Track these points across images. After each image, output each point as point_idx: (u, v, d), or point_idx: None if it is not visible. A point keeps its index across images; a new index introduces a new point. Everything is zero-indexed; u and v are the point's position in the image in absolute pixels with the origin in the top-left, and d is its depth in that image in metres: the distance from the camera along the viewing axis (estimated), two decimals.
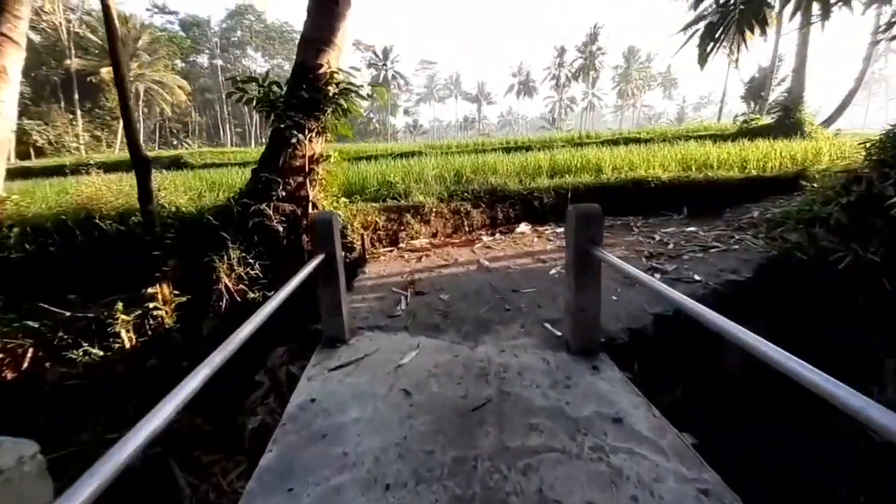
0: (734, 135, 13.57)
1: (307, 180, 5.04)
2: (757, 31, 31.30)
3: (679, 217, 6.44)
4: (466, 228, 6.27)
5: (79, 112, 36.84)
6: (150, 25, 45.63)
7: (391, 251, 5.64)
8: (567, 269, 2.65)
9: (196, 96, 48.50)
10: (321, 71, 4.71)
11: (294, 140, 4.71)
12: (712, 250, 4.79)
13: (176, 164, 21.37)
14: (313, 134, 4.91)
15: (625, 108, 79.45)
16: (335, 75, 4.79)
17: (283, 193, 4.98)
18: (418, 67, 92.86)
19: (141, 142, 5.64)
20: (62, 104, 37.77)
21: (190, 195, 6.57)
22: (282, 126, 4.78)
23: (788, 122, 13.21)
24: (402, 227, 5.95)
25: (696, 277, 3.92)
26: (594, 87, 66.74)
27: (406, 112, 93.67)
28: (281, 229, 5.04)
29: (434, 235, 6.12)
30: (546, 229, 6.18)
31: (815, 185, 5.91)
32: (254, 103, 4.86)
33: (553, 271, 4.34)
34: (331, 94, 4.82)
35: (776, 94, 23.47)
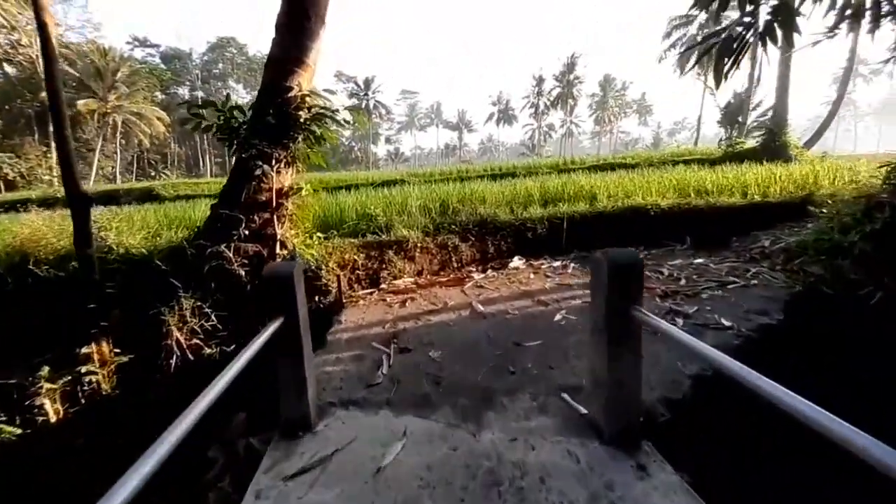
0: (720, 159, 13.58)
1: (274, 216, 4.44)
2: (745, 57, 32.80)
3: (683, 247, 6.02)
4: (455, 264, 5.70)
5: (53, 144, 35.83)
6: (129, 58, 45.47)
7: (372, 293, 5.01)
8: (594, 332, 2.08)
9: (175, 127, 47.74)
10: (291, 94, 4.19)
11: (259, 172, 4.12)
12: (730, 286, 4.32)
13: (148, 196, 20.47)
14: (282, 164, 4.34)
15: (602, 135, 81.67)
16: (307, 99, 4.27)
17: (246, 232, 4.35)
18: (399, 97, 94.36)
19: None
20: (36, 136, 36.75)
21: (145, 233, 5.87)
22: (245, 156, 4.21)
23: (774, 146, 13.27)
24: (384, 266, 5.35)
25: (725, 322, 3.41)
26: (572, 114, 68.50)
27: (388, 140, 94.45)
28: (243, 273, 4.38)
29: (419, 273, 5.52)
30: (542, 264, 5.65)
31: (824, 210, 5.60)
32: (213, 131, 4.29)
33: (558, 317, 3.78)
34: (302, 119, 4.30)
35: (752, 117, 24.20)
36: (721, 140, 24.75)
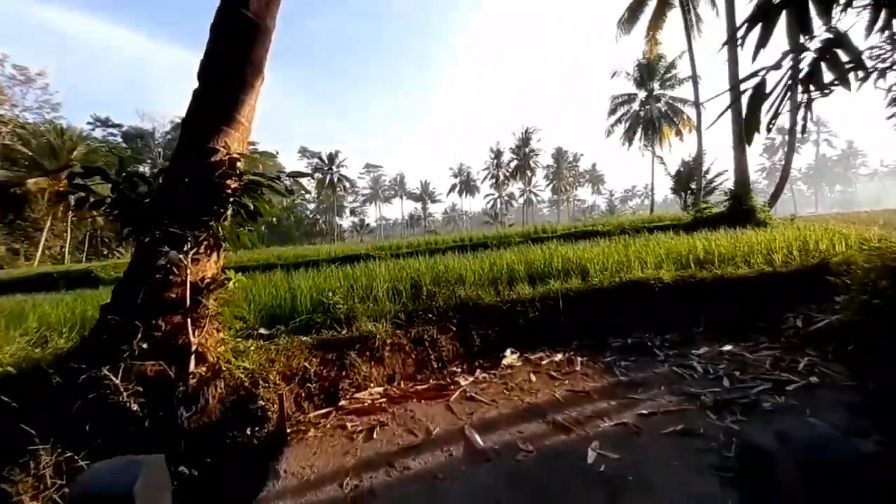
0: (691, 224, 13.54)
1: (188, 319, 3.22)
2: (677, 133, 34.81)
3: (698, 330, 5.17)
4: (434, 364, 4.54)
5: None
6: (88, 137, 44.77)
7: (328, 415, 3.73)
8: None
9: None
10: (216, 158, 3.20)
11: (163, 262, 2.98)
12: (789, 387, 3.40)
13: (86, 278, 18.24)
14: (201, 249, 3.22)
15: (560, 203, 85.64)
16: (238, 164, 3.29)
17: (145, 345, 3.09)
18: (363, 171, 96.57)
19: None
20: None
21: (27, 340, 4.42)
22: (148, 240, 3.09)
23: (741, 210, 13.41)
24: (345, 372, 4.12)
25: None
26: (530, 184, 71.86)
27: (353, 212, 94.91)
28: (136, 407, 3.06)
29: (390, 380, 4.31)
30: (541, 358, 4.60)
31: (846, 280, 5.00)
32: (104, 208, 3.17)
33: (591, 455, 2.67)
34: (231, 189, 3.27)
35: (705, 181, 25.53)
36: (688, 206, 25.82)
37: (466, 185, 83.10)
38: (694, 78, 24.23)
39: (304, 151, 70.38)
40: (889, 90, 3.49)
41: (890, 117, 4.31)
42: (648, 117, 38.30)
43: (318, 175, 65.64)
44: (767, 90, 2.64)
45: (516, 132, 63.50)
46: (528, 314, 5.07)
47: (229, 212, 3.25)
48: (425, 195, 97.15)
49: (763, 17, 2.99)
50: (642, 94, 39.27)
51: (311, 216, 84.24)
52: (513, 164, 65.96)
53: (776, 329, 4.75)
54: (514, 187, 73.33)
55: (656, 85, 37.94)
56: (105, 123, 55.23)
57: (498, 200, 74.64)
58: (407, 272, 6.52)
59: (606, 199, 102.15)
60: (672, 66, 35.82)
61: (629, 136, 42.15)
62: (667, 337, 4.97)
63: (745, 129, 3.07)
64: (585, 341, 4.89)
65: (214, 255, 3.34)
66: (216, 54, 3.29)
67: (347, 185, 70.28)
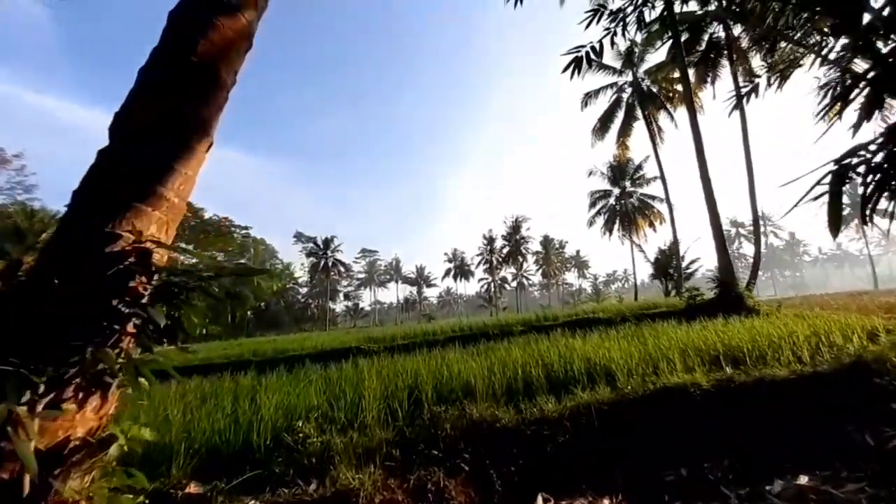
0: (686, 311, 12.91)
1: None
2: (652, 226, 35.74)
3: (753, 450, 4.16)
4: None
5: None
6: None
7: None
8: None
9: None
10: (115, 248, 2.05)
11: None
12: None
13: None
14: (67, 392, 1.88)
15: (549, 287, 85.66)
16: (154, 257, 2.17)
17: None
18: (359, 255, 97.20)
19: None
20: None
21: None
22: None
23: (731, 297, 12.95)
24: None
25: None
26: (521, 269, 72.30)
27: (346, 296, 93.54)
28: None
29: None
30: None
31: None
32: None
33: None
34: (135, 295, 2.07)
35: (683, 268, 25.67)
36: (669, 291, 25.92)
37: (461, 270, 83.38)
38: (662, 177, 25.68)
39: (299, 236, 71.05)
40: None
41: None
42: (624, 211, 39.73)
43: (311, 259, 65.46)
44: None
45: (507, 220, 65.39)
46: (558, 439, 4.04)
47: (130, 327, 2.09)
48: (421, 279, 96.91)
49: (843, 98, 2.58)
50: (616, 191, 41.20)
51: (302, 301, 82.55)
52: (505, 251, 66.91)
53: (841, 446, 3.79)
54: (507, 272, 73.68)
55: (628, 183, 40.05)
56: None
57: (491, 284, 74.44)
58: (403, 379, 5.53)
59: (591, 282, 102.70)
60: (639, 167, 38.19)
61: (609, 227, 43.63)
62: (724, 463, 3.94)
63: (830, 220, 2.47)
64: (632, 471, 3.83)
65: (95, 400, 2.02)
66: (142, 102, 2.33)
67: (342, 269, 69.98)
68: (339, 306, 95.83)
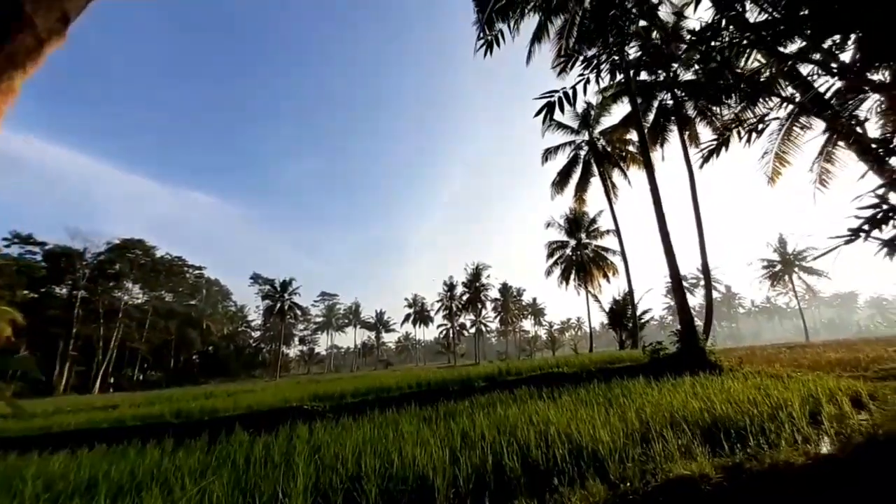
0: (650, 365, 12.29)
1: None
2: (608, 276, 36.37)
3: None
4: None
5: None
6: None
7: None
8: None
9: (35, 329, 38.68)
10: None
11: None
12: None
13: None
14: None
15: (507, 334, 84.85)
16: None
17: None
18: (318, 299, 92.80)
19: None
20: None
21: None
22: None
23: (694, 351, 12.53)
24: None
25: None
26: (480, 315, 71.29)
27: (302, 340, 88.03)
28: None
29: None
30: None
31: None
32: None
33: None
34: None
35: (637, 318, 25.75)
36: (645, 346, 25.73)
37: (421, 315, 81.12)
38: (617, 230, 26.35)
39: (256, 277, 67.00)
40: None
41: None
42: (580, 262, 40.49)
43: (266, 302, 61.39)
44: None
45: (468, 267, 64.95)
46: None
47: None
48: (380, 324, 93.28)
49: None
50: (573, 242, 42.18)
51: (254, 345, 76.78)
52: (465, 297, 65.96)
53: None
54: (466, 318, 72.32)
55: (583, 235, 41.20)
56: (25, 241, 49.32)
57: (450, 330, 72.56)
58: (343, 466, 4.21)
59: (546, 330, 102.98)
60: (594, 220, 39.52)
61: (565, 277, 44.14)
62: None
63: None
64: None
65: None
66: None
67: (299, 312, 65.97)
68: (294, 350, 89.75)
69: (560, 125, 26.32)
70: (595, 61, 6.57)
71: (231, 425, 8.82)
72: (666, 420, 5.42)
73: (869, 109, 6.57)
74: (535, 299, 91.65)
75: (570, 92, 6.03)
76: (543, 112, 5.83)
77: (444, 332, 74.92)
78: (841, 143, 12.58)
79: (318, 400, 10.90)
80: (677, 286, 14.15)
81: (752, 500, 3.61)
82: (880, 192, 4.33)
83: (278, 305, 60.73)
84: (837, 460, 3.92)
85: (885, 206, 4.19)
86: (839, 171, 12.87)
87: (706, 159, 7.15)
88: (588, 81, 6.71)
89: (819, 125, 13.13)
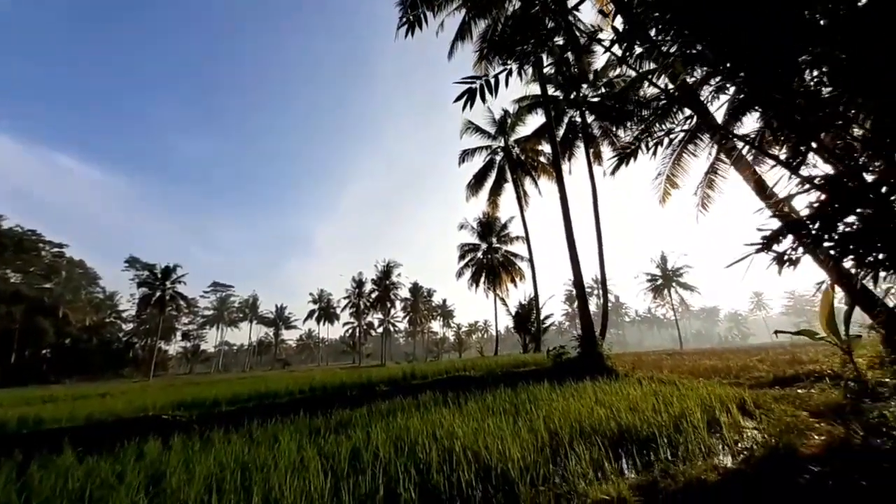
0: (552, 369, 12.55)
1: None
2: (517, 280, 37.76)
3: None
4: None
5: None
6: None
7: None
8: None
9: None
10: None
11: None
12: None
13: None
14: None
15: (415, 334, 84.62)
16: None
17: None
18: (209, 289, 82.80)
19: None
20: None
21: None
22: None
23: (593, 355, 13.11)
24: None
25: None
26: (389, 315, 69.90)
27: (185, 336, 77.64)
28: None
29: None
30: None
31: None
32: None
33: None
34: None
35: (541, 323, 27.14)
36: (549, 350, 26.98)
37: (326, 312, 76.81)
38: (527, 237, 27.40)
39: (133, 262, 57.30)
40: None
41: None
42: (490, 265, 41.71)
43: (143, 290, 52.75)
44: None
45: (379, 264, 62.94)
46: None
47: None
48: (280, 320, 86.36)
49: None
50: (484, 246, 43.32)
51: (125, 339, 65.68)
52: (374, 295, 63.93)
53: None
54: (374, 317, 70.27)
55: (494, 239, 42.55)
56: None
57: (357, 329, 69.82)
58: None
59: (454, 332, 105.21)
60: (505, 226, 41.05)
61: (475, 280, 45.09)
62: None
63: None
64: None
65: None
66: None
67: (183, 303, 57.74)
68: (175, 347, 78.61)
69: (478, 129, 26.61)
70: (519, 51, 6.15)
71: (56, 443, 6.66)
72: (575, 430, 5.08)
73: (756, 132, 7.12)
74: (444, 301, 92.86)
75: (493, 81, 5.50)
76: (464, 98, 5.20)
77: (351, 331, 72.04)
78: (720, 171, 14.31)
79: (184, 408, 8.94)
80: (580, 292, 14.78)
81: None
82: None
83: (157, 294, 52.48)
84: (745, 474, 3.83)
85: (779, 225, 4.30)
86: (718, 196, 14.44)
87: (618, 165, 7.24)
88: (511, 73, 6.24)
89: (704, 154, 14.82)
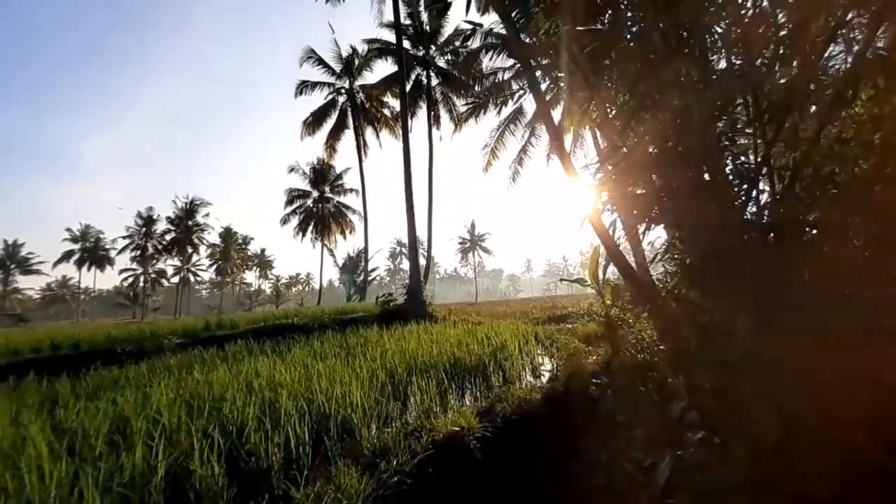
0: (382, 315, 12.43)
1: None
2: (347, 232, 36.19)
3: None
4: None
5: None
6: None
7: None
8: None
9: None
10: None
11: None
12: None
13: None
14: None
15: (224, 286, 73.57)
16: None
17: None
18: None
19: None
20: None
21: None
22: None
23: (419, 303, 13.55)
24: None
25: None
26: (190, 262, 58.18)
27: None
28: None
29: None
30: None
31: None
32: None
33: None
34: None
35: (368, 271, 27.08)
36: (351, 295, 26.41)
37: (93, 255, 58.47)
38: (363, 189, 26.27)
39: None
40: None
41: None
42: (320, 215, 38.94)
43: None
44: None
45: (179, 200, 50.66)
46: None
47: None
48: (11, 262, 61.62)
49: None
50: (316, 194, 40.00)
51: None
52: (169, 237, 51.61)
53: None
54: (168, 264, 57.20)
55: (327, 188, 39.68)
56: None
57: (142, 277, 55.78)
58: None
59: (272, 284, 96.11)
60: (340, 176, 38.65)
61: (303, 228, 41.49)
62: None
63: None
64: None
65: None
66: None
67: None
68: None
69: (321, 61, 23.33)
70: None
71: None
72: (412, 368, 4.80)
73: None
74: (263, 250, 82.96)
75: None
76: None
77: (132, 280, 57.25)
78: (528, 152, 16.35)
79: None
80: (413, 244, 14.94)
81: (514, 444, 3.26)
82: None
83: None
84: (557, 391, 4.20)
85: None
86: (525, 172, 16.52)
87: (470, 114, 7.12)
88: None
89: (519, 134, 16.60)
